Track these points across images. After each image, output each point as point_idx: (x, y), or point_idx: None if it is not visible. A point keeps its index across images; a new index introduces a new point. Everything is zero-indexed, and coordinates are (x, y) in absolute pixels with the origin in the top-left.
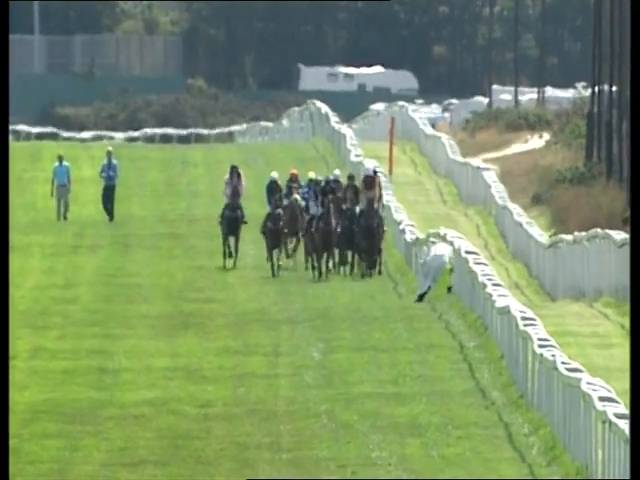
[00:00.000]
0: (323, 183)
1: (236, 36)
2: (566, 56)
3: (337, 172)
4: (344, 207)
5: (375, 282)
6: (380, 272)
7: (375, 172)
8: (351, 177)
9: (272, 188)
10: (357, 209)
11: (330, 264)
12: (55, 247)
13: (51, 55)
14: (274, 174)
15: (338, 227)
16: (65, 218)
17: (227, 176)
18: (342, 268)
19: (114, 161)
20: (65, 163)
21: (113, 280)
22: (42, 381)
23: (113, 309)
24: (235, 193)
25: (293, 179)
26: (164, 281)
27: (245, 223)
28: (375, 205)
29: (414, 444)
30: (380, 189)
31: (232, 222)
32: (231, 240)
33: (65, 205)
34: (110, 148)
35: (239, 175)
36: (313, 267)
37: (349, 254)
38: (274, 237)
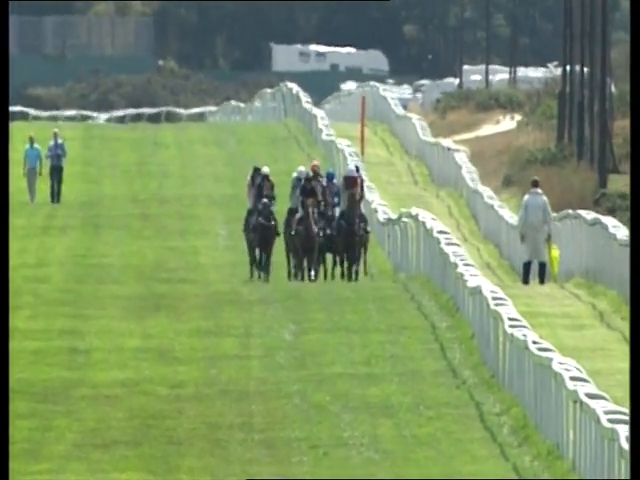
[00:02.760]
0: (303, 181)
1: (207, 17)
2: (538, 36)
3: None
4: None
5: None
6: (352, 278)
7: (357, 170)
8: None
9: (261, 186)
10: (337, 210)
11: (312, 272)
12: (26, 228)
13: (22, 36)
14: (265, 169)
15: (320, 231)
16: (32, 201)
17: (249, 177)
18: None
19: (60, 141)
20: (36, 145)
21: (84, 260)
22: (13, 361)
23: (84, 289)
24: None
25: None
26: (135, 261)
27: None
28: (358, 206)
29: (386, 424)
30: (362, 190)
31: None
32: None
33: (34, 187)
34: (56, 129)
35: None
36: (295, 274)
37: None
38: (263, 239)
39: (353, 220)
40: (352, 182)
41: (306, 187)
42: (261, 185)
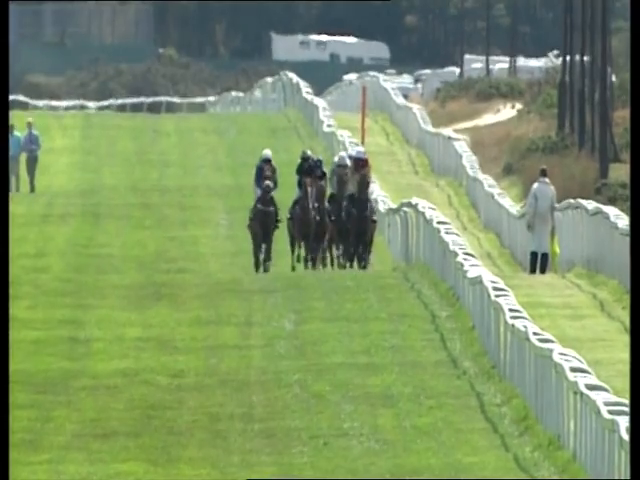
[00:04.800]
0: (300, 160)
1: (207, 5)
2: (538, 25)
3: (342, 153)
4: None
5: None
6: (365, 267)
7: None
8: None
9: (262, 169)
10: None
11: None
12: (26, 217)
13: (22, 24)
14: (267, 152)
15: (317, 215)
16: (17, 190)
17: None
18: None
19: (35, 132)
20: (17, 133)
21: (84, 250)
22: (13, 351)
23: (84, 279)
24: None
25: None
26: (136, 251)
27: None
28: (367, 189)
29: (386, 414)
30: (369, 174)
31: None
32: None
33: (16, 177)
34: (30, 119)
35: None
36: (298, 261)
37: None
38: (262, 225)
39: (364, 205)
40: (362, 164)
41: (303, 166)
42: (262, 169)
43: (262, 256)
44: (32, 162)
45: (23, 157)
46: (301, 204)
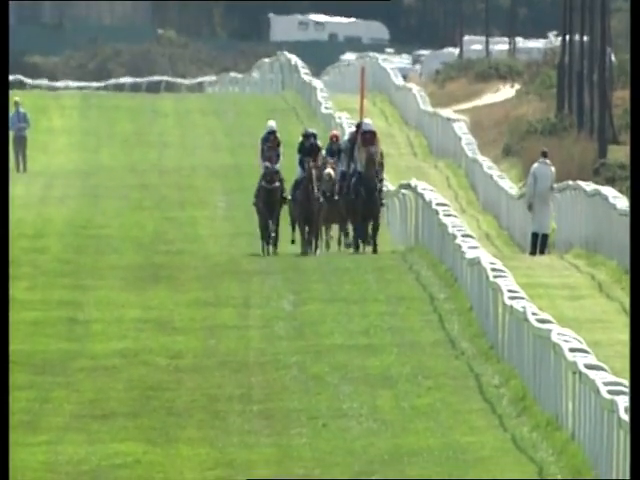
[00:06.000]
0: (301, 138)
1: None
2: (537, 6)
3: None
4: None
5: None
6: (376, 250)
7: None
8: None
9: (268, 140)
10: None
11: (313, 238)
12: (24, 198)
13: (20, 5)
14: (272, 123)
15: (320, 196)
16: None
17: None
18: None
19: (22, 110)
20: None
21: (83, 231)
22: (12, 332)
23: (83, 260)
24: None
25: (334, 140)
26: (134, 232)
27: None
28: (376, 165)
29: (385, 395)
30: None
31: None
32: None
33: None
34: (17, 98)
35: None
36: (292, 241)
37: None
38: (266, 204)
39: (373, 184)
40: (370, 138)
41: (304, 144)
42: (267, 140)
43: (272, 234)
44: (21, 141)
45: (11, 136)
46: (303, 188)
